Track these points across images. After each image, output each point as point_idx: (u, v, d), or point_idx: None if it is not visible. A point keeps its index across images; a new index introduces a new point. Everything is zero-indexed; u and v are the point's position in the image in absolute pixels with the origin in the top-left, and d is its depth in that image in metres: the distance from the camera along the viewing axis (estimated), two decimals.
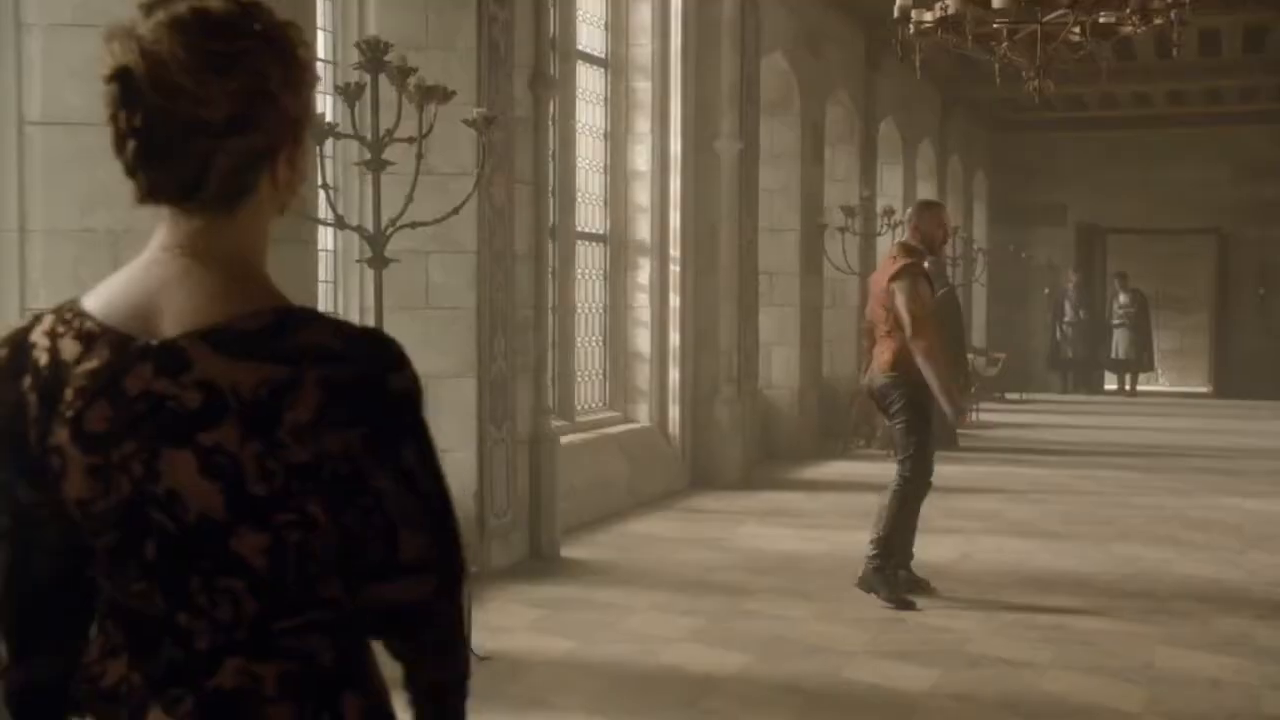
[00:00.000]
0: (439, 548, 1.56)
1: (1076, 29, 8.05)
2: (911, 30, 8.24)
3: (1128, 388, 20.74)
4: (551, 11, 8.10)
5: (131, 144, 1.44)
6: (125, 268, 1.52)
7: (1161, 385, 22.56)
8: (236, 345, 1.43)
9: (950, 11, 7.88)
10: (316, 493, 1.47)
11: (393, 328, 6.63)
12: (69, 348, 1.47)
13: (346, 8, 6.88)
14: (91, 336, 1.47)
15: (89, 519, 1.48)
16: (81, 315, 1.48)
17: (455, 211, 5.30)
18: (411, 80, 4.80)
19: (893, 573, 6.51)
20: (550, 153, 8.29)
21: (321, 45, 6.76)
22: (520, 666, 5.31)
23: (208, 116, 1.42)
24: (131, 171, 1.46)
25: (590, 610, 6.31)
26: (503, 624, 5.99)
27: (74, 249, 4.72)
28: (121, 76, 1.43)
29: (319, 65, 6.51)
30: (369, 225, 5.20)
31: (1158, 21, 7.91)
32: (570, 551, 7.61)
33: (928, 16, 8.04)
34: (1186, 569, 7.46)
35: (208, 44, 1.42)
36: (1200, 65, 16.80)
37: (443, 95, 5.01)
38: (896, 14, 8.11)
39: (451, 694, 1.64)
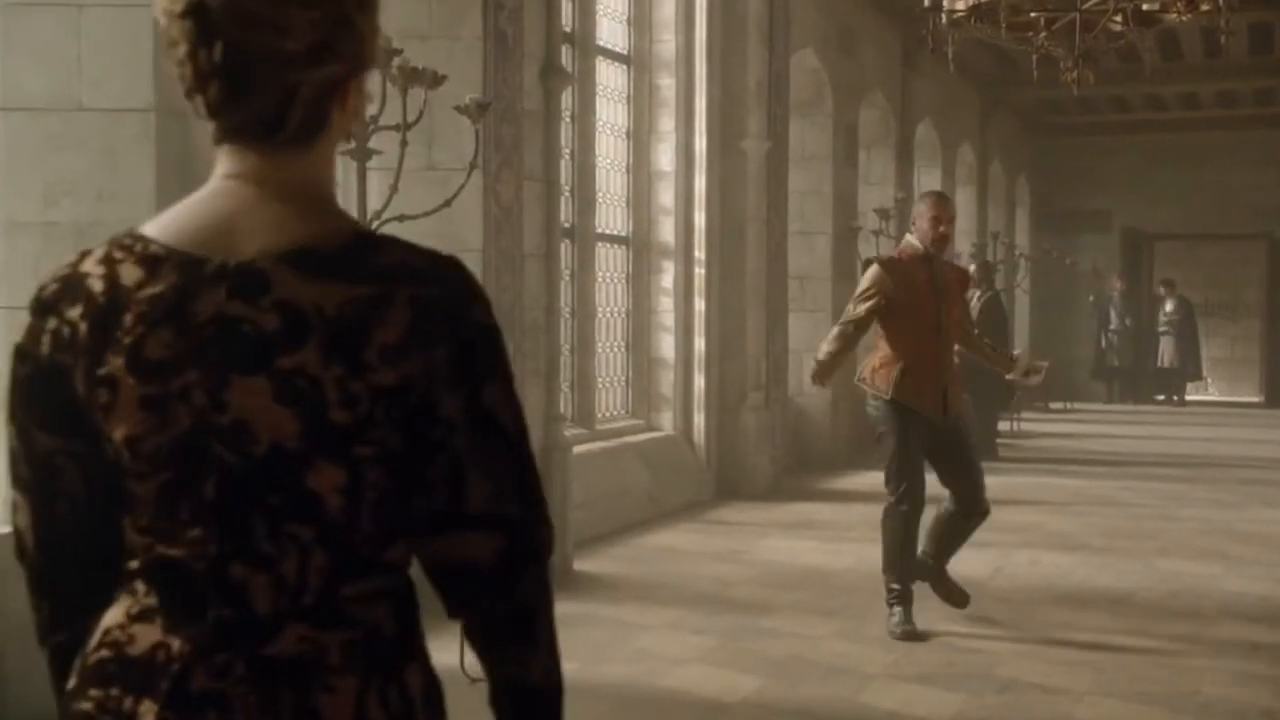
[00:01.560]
0: (514, 502, 1.44)
1: (1118, 17, 7.65)
2: (944, 20, 7.88)
3: (1175, 397, 20.23)
4: (565, 1, 7.78)
5: (214, 85, 1.36)
6: (187, 199, 1.44)
7: (1211, 395, 21.98)
8: (319, 265, 1.36)
9: None
10: (399, 422, 1.37)
11: None
12: (130, 273, 1.38)
13: None
14: (156, 260, 1.38)
15: (139, 458, 1.38)
16: (144, 240, 1.40)
17: (447, 204, 4.99)
18: (395, 61, 4.49)
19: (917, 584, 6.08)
20: (564, 148, 7.96)
21: None
22: None
23: (290, 47, 1.35)
24: (214, 113, 1.39)
25: (598, 628, 5.97)
26: None
27: (36, 243, 4.45)
28: (196, 10, 1.34)
29: None
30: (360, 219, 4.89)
31: (1205, 8, 7.48)
32: (583, 565, 7.27)
33: (960, 5, 7.67)
34: (1235, 586, 7.02)
35: None
36: (1251, 64, 16.30)
37: (432, 80, 4.70)
38: (928, 2, 7.74)
39: (538, 703, 1.48)
